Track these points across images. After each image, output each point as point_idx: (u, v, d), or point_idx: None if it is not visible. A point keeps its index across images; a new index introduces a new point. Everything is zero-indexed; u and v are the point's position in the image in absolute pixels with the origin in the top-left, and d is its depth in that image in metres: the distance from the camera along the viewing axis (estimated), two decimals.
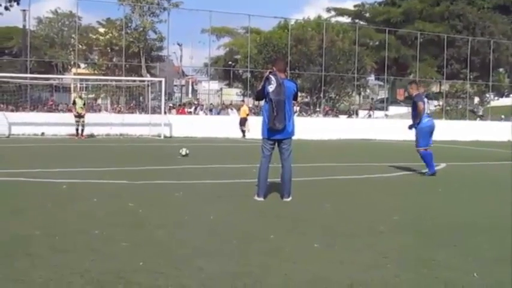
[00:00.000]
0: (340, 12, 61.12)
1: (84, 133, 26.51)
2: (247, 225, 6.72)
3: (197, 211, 7.55)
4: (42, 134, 27.41)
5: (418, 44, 45.74)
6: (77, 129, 26.32)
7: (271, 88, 8.10)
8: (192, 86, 67.02)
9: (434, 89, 57.12)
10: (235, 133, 30.01)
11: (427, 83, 52.80)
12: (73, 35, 45.72)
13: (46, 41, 48.09)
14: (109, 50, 46.15)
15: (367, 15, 61.35)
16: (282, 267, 4.86)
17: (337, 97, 45.48)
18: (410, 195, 9.91)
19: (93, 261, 4.88)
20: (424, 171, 12.79)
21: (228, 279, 4.47)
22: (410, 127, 13.04)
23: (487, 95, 52.21)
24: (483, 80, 48.49)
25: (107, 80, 39.21)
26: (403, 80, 54.23)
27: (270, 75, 8.19)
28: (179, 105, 41.85)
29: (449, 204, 8.86)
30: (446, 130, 28.09)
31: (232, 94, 55.16)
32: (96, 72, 45.36)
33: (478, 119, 46.00)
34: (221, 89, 59.22)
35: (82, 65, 48.38)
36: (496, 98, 55.68)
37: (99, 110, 34.52)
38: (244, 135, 29.91)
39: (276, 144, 8.43)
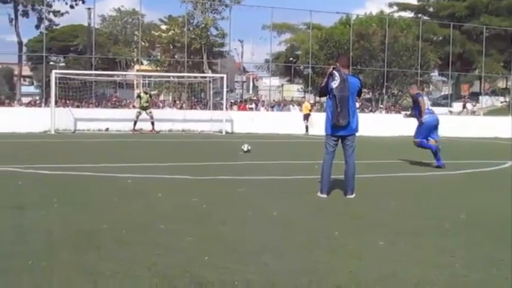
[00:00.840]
0: (403, 7, 60.07)
1: (137, 127, 27.05)
2: (310, 221, 6.69)
3: (260, 207, 7.55)
4: (107, 129, 27.94)
5: (484, 38, 44.72)
6: (135, 123, 26.85)
7: (334, 84, 8.04)
8: (253, 82, 67.15)
9: (501, 84, 55.77)
10: (297, 129, 29.93)
11: (493, 79, 51.58)
12: (136, 32, 46.49)
13: (110, 39, 49.07)
14: (171, 47, 46.70)
15: (431, 9, 60.11)
16: (347, 264, 4.82)
17: (399, 93, 44.91)
18: (477, 192, 9.69)
19: (159, 255, 4.94)
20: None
21: (293, 276, 4.46)
22: (407, 116, 14.69)
23: None
24: None
25: (169, 77, 39.72)
26: (468, 76, 53.12)
27: (334, 71, 8.12)
28: (240, 101, 42.02)
29: None
30: None
31: (293, 90, 54.96)
32: (158, 68, 46.00)
33: None
34: (282, 85, 59.12)
35: (145, 62, 49.09)
36: None
37: (162, 106, 34.90)
38: (307, 131, 29.83)
39: (340, 140, 8.36)
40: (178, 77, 37.64)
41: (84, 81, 31.26)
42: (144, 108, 26.84)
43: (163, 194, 8.34)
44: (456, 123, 31.65)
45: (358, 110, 8.67)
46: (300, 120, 30.56)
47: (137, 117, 26.89)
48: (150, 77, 41.20)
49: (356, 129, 8.31)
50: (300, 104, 36.54)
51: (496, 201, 8.60)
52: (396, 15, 55.98)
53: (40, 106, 33.84)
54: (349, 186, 8.36)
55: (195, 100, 38.12)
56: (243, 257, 4.97)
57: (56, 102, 27.66)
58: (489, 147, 22.21)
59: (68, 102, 30.73)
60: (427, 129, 13.30)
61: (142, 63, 48.51)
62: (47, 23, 42.20)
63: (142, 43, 44.93)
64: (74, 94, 30.56)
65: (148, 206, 7.42)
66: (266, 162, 14.15)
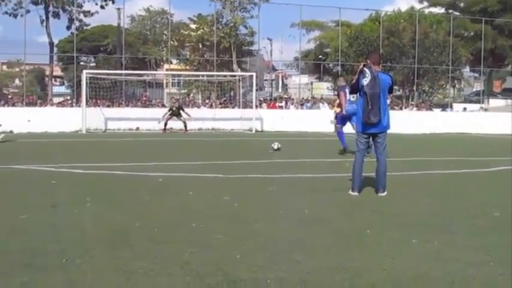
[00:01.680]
0: (433, 2, 59.40)
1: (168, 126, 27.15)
2: (342, 219, 6.65)
3: (291, 205, 7.54)
4: (137, 128, 28.16)
5: None
6: (166, 124, 26.94)
7: (365, 81, 7.98)
8: (282, 80, 67.03)
9: None
10: (327, 127, 29.77)
11: None
12: (165, 32, 46.66)
13: (139, 38, 49.33)
14: (200, 46, 46.78)
15: (462, 5, 59.34)
16: (380, 262, 4.77)
17: (430, 90, 44.48)
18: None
19: (191, 253, 4.95)
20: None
21: (326, 274, 4.44)
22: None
23: None
24: None
25: (198, 76, 39.84)
26: (500, 72, 52.40)
27: (365, 68, 8.07)
28: (270, 99, 41.98)
29: None
30: None
31: (323, 88, 54.66)
32: (188, 67, 46.12)
33: None
34: (311, 83, 58.94)
35: (174, 61, 49.30)
36: None
37: (192, 105, 35.02)
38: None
39: (371, 138, 8.31)
40: (207, 75, 37.72)
41: (115, 81, 31.53)
42: (176, 115, 26.92)
43: (194, 192, 8.37)
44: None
45: (388, 107, 8.58)
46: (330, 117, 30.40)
47: (167, 118, 26.94)
48: (179, 76, 41.38)
49: (387, 127, 8.23)
50: (330, 102, 36.33)
51: None
52: (426, 11, 55.43)
53: (71, 106, 34.26)
54: (381, 184, 8.29)
55: (225, 99, 38.20)
56: (275, 255, 4.95)
57: (87, 102, 27.98)
58: None
59: (98, 101, 31.02)
60: (347, 118, 14.35)
61: (171, 63, 48.74)
62: (77, 23, 42.57)
63: (172, 42, 45.05)
64: (104, 94, 30.86)
65: (179, 204, 7.45)
66: (296, 160, 14.11)
